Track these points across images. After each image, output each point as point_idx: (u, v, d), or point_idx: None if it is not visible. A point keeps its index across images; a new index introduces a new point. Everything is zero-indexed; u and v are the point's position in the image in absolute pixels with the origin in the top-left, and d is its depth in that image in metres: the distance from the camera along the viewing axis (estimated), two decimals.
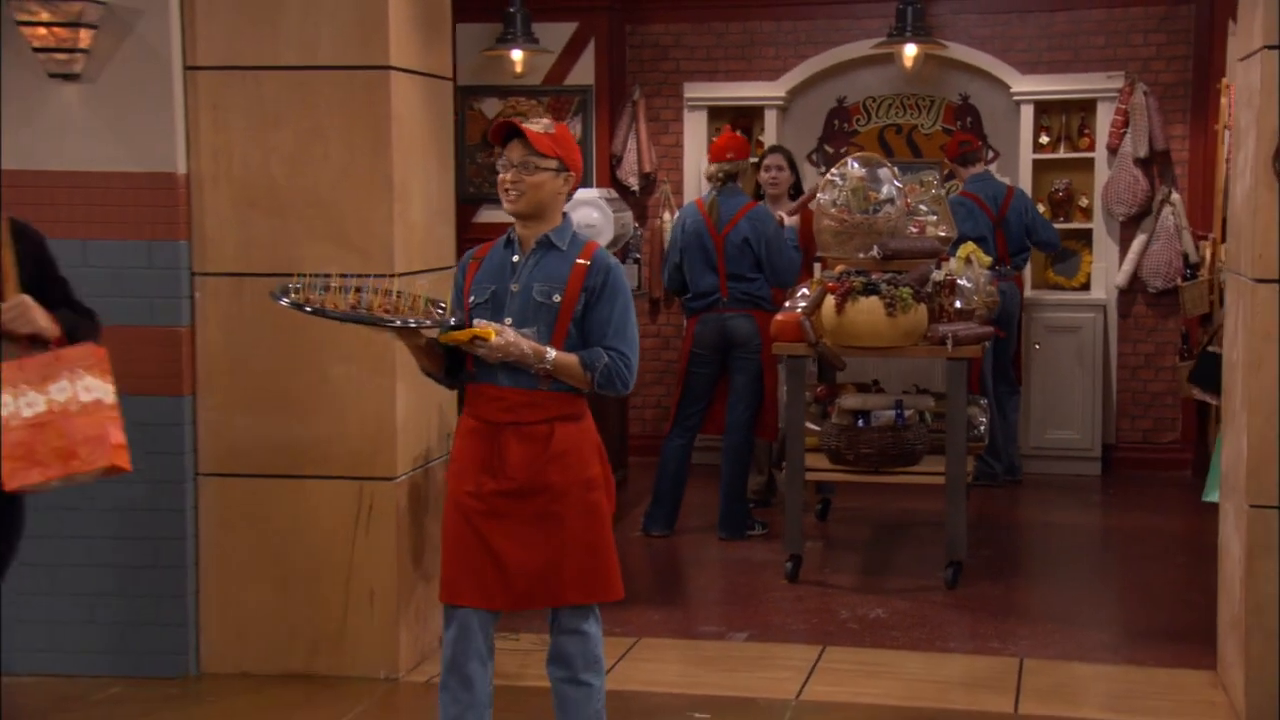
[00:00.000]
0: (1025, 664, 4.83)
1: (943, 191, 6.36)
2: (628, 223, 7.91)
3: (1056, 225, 8.15)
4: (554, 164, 3.66)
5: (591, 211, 7.21)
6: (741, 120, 8.75)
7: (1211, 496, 5.33)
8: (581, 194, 7.30)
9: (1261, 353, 3.98)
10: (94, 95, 4.66)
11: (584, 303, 3.65)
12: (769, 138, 8.61)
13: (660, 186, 8.73)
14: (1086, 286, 8.43)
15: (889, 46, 8.21)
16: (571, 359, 3.62)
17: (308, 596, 4.79)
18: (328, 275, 3.79)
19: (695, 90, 8.65)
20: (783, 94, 8.64)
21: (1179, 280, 7.96)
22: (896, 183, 5.96)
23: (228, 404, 4.77)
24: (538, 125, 3.69)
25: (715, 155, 6.67)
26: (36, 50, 4.57)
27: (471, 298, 3.75)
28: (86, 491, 4.73)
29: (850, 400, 6.01)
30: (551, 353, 3.60)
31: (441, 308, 3.79)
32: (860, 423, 5.94)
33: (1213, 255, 7.85)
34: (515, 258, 3.72)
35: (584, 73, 8.65)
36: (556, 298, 3.64)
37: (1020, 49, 8.46)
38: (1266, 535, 4.09)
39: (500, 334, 3.55)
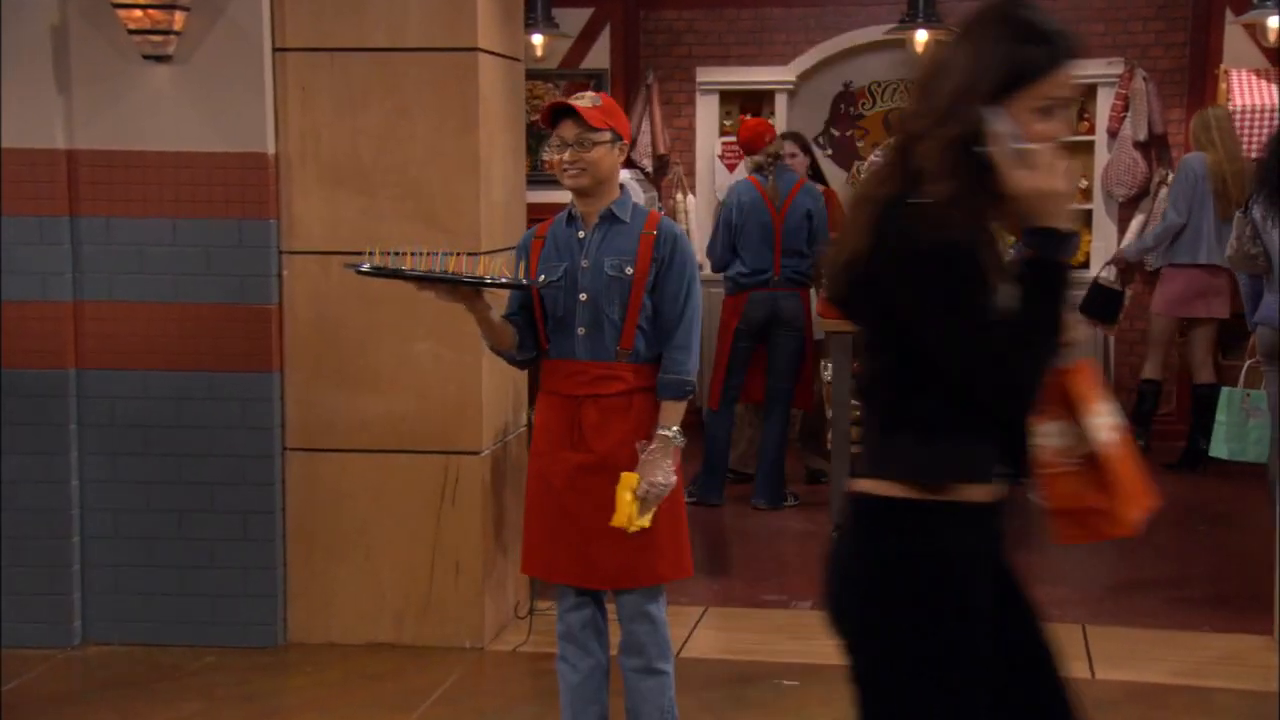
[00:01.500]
0: (1088, 630, 5.02)
1: None
2: (654, 202, 8.06)
3: None
4: (608, 136, 3.65)
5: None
6: (751, 104, 8.93)
7: (1219, 451, 5.54)
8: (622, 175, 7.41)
9: None
10: (185, 77, 4.74)
11: (655, 273, 3.66)
12: (779, 121, 8.78)
13: (673, 168, 8.88)
14: (1085, 265, 8.67)
15: (900, 33, 8.40)
16: (671, 410, 3.64)
17: (393, 568, 4.91)
18: (401, 253, 3.88)
19: (707, 74, 8.81)
20: (793, 78, 8.83)
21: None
22: None
23: (314, 380, 4.87)
24: (584, 100, 3.71)
25: (756, 141, 6.82)
26: (131, 32, 4.64)
27: (542, 276, 3.79)
28: (178, 467, 4.85)
29: None
30: (667, 432, 3.62)
31: (507, 278, 3.83)
32: None
33: None
34: (580, 234, 3.73)
35: (599, 57, 8.80)
36: (629, 270, 3.65)
37: None
38: None
39: (643, 487, 3.57)
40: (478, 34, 4.71)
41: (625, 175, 7.48)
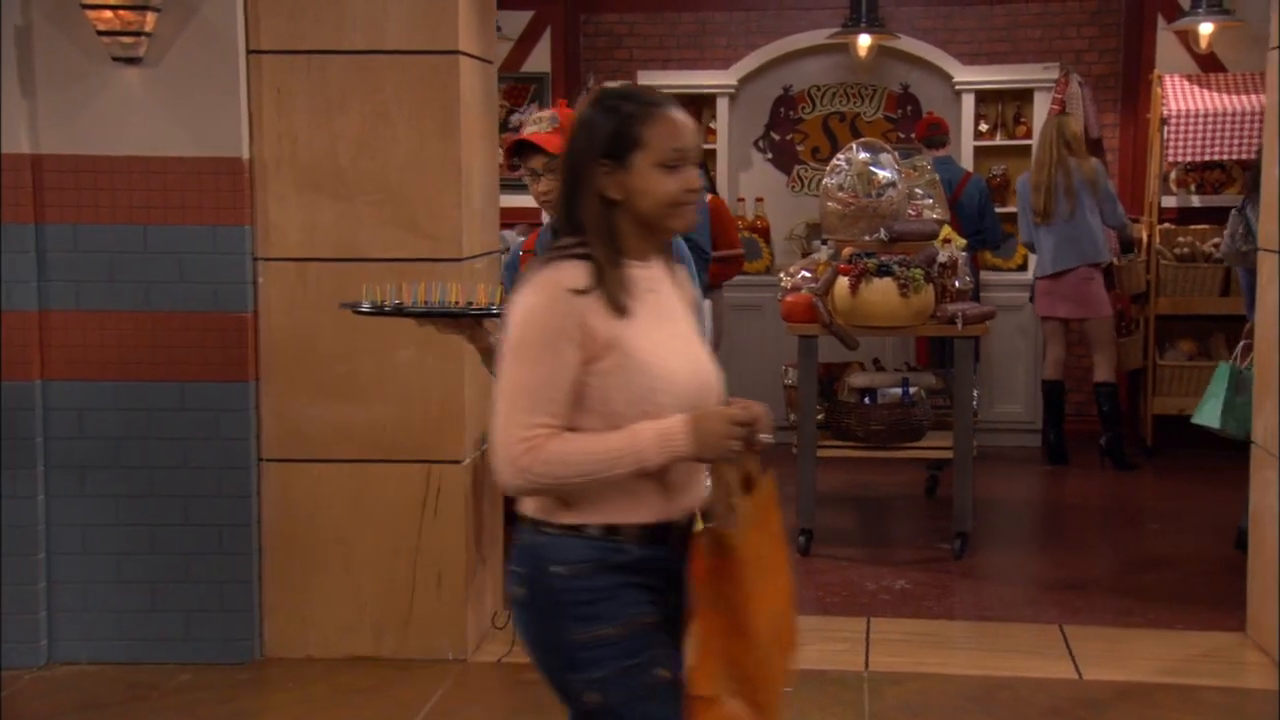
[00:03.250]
0: (1066, 630, 5.07)
1: (936, 176, 6.60)
2: None
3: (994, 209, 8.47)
4: None
5: None
6: (692, 108, 8.92)
7: (1208, 420, 5.64)
8: None
9: None
10: (157, 79, 4.61)
11: None
12: (720, 125, 8.81)
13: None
14: (1024, 268, 8.79)
15: (843, 37, 8.46)
16: None
17: (373, 580, 4.82)
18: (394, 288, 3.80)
19: (649, 78, 8.76)
20: (734, 82, 8.84)
21: (1114, 260, 8.37)
22: (897, 167, 6.19)
23: (291, 389, 4.76)
24: (539, 125, 3.65)
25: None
26: (100, 34, 4.50)
27: None
28: (149, 480, 4.72)
29: (859, 379, 6.24)
30: None
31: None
32: (867, 400, 6.17)
33: (1148, 236, 8.33)
34: None
35: (540, 60, 8.74)
36: None
37: (961, 40, 8.81)
38: None
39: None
40: (458, 37, 4.64)
41: None
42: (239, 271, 4.69)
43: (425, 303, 3.65)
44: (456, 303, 3.64)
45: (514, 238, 6.76)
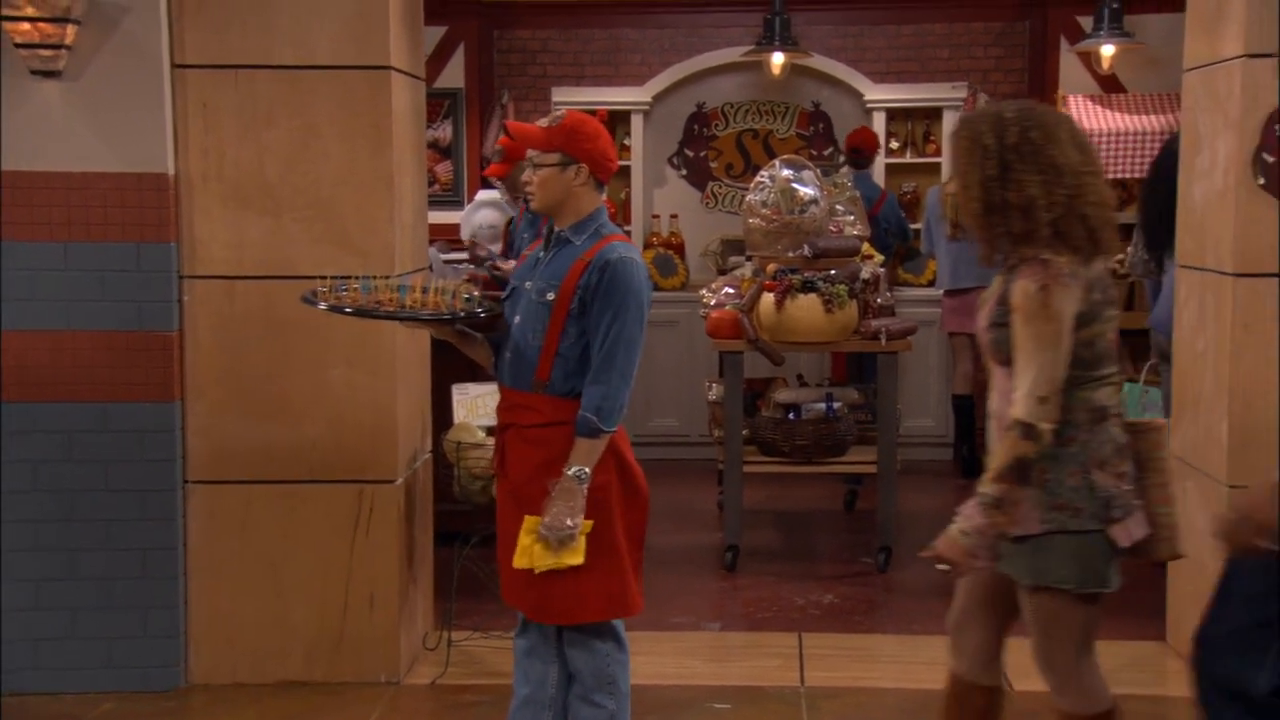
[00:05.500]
0: None
1: (857, 193, 6.67)
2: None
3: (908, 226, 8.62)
4: (554, 158, 3.57)
5: (493, 212, 7.25)
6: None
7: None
8: (484, 195, 7.34)
9: (1240, 342, 4.40)
10: (77, 93, 4.49)
11: (579, 301, 3.52)
12: (635, 141, 8.83)
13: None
14: (934, 283, 8.92)
15: (756, 55, 8.53)
16: (580, 448, 3.49)
17: (304, 603, 4.73)
18: (350, 277, 3.84)
19: (563, 94, 8.76)
20: (648, 99, 8.87)
21: None
22: (819, 184, 6.24)
23: (219, 409, 4.67)
24: (544, 120, 3.66)
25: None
26: (18, 46, 4.38)
27: (505, 293, 3.78)
28: (70, 503, 4.59)
29: (783, 394, 6.27)
30: (568, 470, 3.48)
31: (469, 297, 3.79)
32: (792, 416, 6.21)
33: None
34: (543, 253, 3.67)
35: (454, 76, 8.70)
36: (550, 296, 3.54)
37: (871, 59, 8.93)
38: None
39: (541, 530, 3.49)
40: (390, 52, 4.59)
41: (497, 195, 7.48)
42: (164, 289, 4.59)
43: (390, 303, 3.70)
44: (434, 304, 3.69)
45: (436, 255, 6.72)
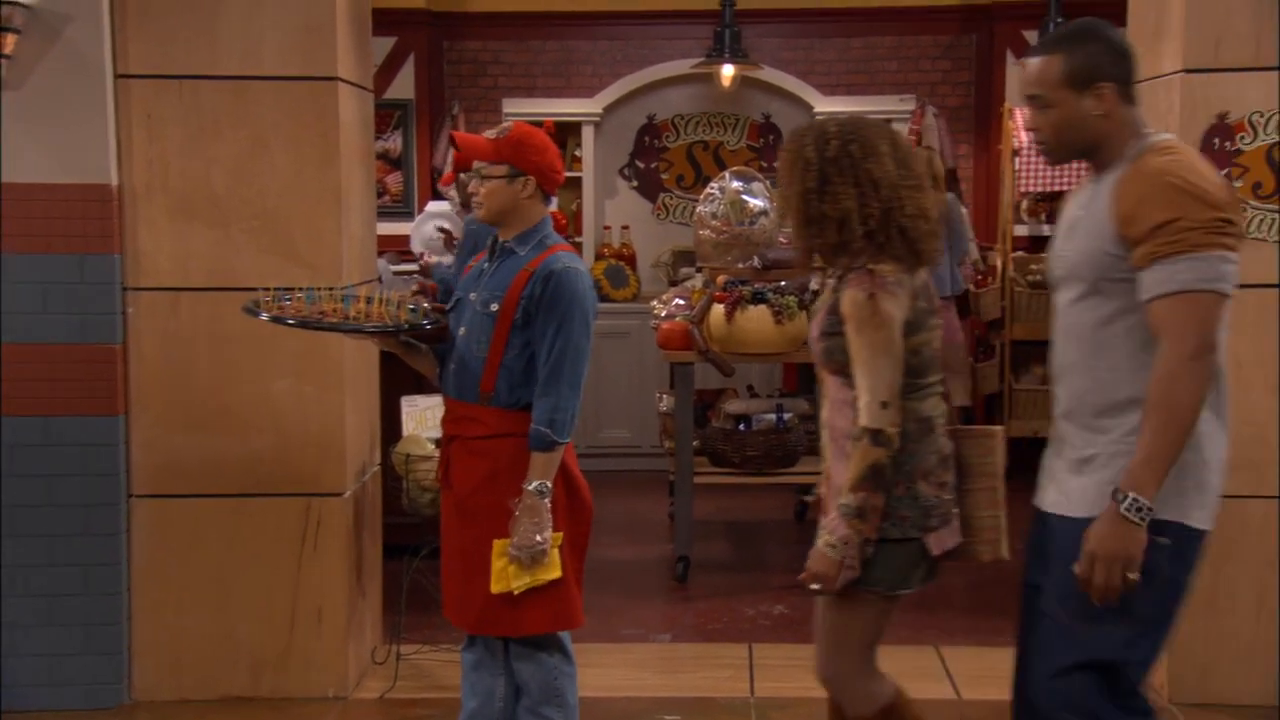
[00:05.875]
0: (942, 651, 5.16)
1: None
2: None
3: None
4: (502, 170, 3.58)
5: (443, 223, 7.23)
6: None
7: None
8: (433, 207, 7.32)
9: None
10: (18, 103, 4.43)
11: (523, 311, 3.52)
12: (585, 153, 8.83)
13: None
14: None
15: (706, 67, 8.55)
16: (537, 462, 3.49)
17: (250, 618, 4.68)
18: (293, 289, 3.83)
19: (513, 106, 8.74)
20: (599, 111, 8.87)
21: (971, 286, 8.60)
22: (769, 196, 6.26)
23: (163, 422, 4.62)
24: (491, 131, 3.67)
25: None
26: None
27: (449, 305, 3.78)
28: (11, 519, 4.53)
29: (734, 405, 6.28)
30: (528, 486, 3.48)
31: (414, 309, 3.78)
32: (742, 426, 6.22)
33: (1002, 264, 8.57)
34: (486, 264, 3.68)
35: (404, 87, 8.65)
36: (494, 307, 3.54)
37: (821, 72, 8.98)
38: None
39: (510, 550, 3.50)
40: (337, 63, 4.56)
41: (445, 207, 7.46)
42: (107, 302, 4.54)
43: (329, 314, 3.68)
44: (357, 319, 3.67)
45: (385, 266, 6.69)
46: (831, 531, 3.15)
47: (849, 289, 3.13)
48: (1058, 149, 3.00)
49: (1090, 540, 2.79)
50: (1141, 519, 2.74)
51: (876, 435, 3.07)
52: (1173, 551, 2.82)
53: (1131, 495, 2.74)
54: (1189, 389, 2.72)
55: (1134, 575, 2.75)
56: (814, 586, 3.20)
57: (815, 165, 3.16)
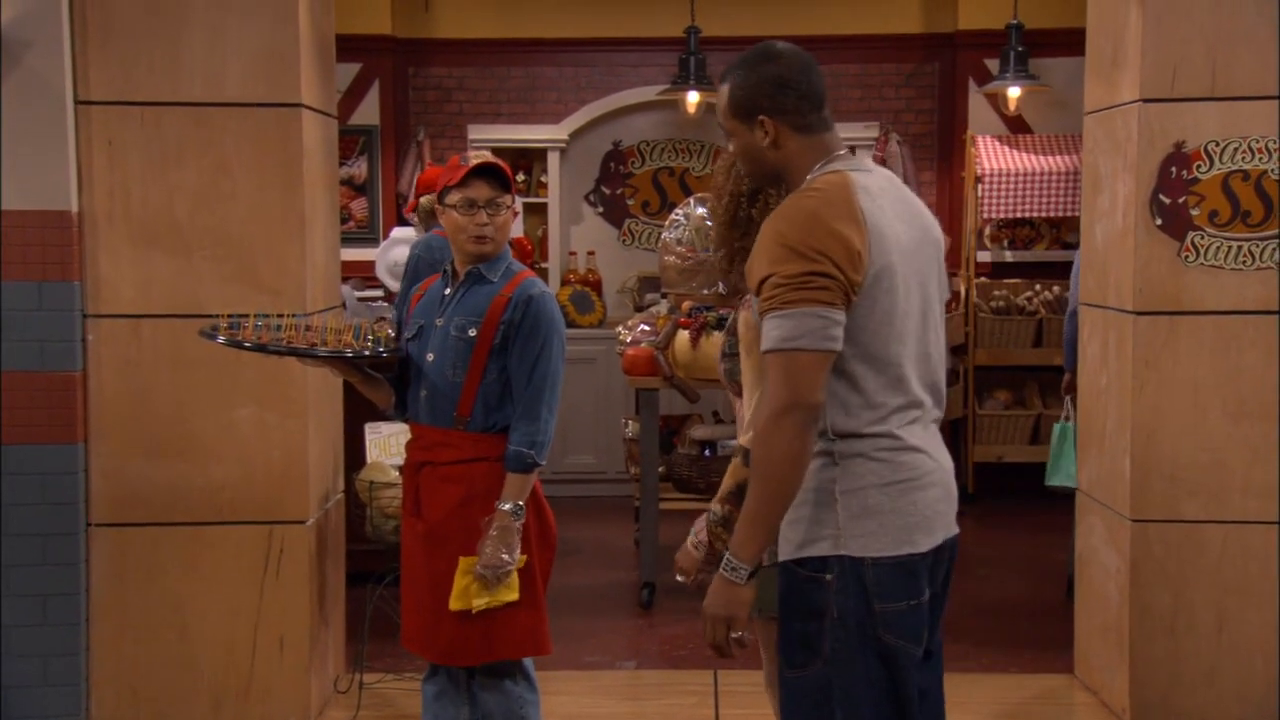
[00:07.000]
0: None
1: None
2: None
3: None
4: (509, 200, 3.64)
5: (409, 249, 7.20)
6: (523, 162, 8.95)
7: (1054, 481, 5.89)
8: (398, 233, 7.31)
9: (1143, 377, 4.49)
10: None
11: (501, 337, 3.54)
12: (551, 179, 8.85)
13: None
14: None
15: (672, 94, 8.58)
16: (512, 483, 3.51)
17: (211, 647, 4.64)
18: (246, 315, 3.81)
19: (479, 132, 8.77)
20: (564, 137, 8.89)
21: None
22: None
23: (124, 451, 4.58)
24: (474, 158, 3.69)
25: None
26: None
27: (406, 332, 3.76)
28: None
29: (699, 431, 6.29)
30: (504, 506, 3.50)
31: (370, 338, 3.77)
32: (708, 452, 6.23)
33: (965, 290, 8.63)
34: (447, 290, 3.67)
35: (369, 113, 8.65)
36: (472, 333, 3.55)
37: None
38: (1149, 546, 4.59)
39: (477, 569, 3.49)
40: (300, 89, 4.56)
41: (412, 233, 7.44)
42: (67, 329, 4.50)
43: (287, 340, 3.65)
44: (313, 343, 3.64)
45: (350, 293, 6.67)
46: (696, 533, 3.31)
47: (743, 310, 3.19)
48: (750, 175, 2.97)
49: (705, 599, 2.73)
50: (739, 578, 2.65)
51: (749, 455, 3.08)
52: (841, 585, 2.67)
53: (727, 556, 2.67)
54: (777, 445, 2.57)
55: (737, 634, 2.70)
56: (680, 578, 3.38)
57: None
